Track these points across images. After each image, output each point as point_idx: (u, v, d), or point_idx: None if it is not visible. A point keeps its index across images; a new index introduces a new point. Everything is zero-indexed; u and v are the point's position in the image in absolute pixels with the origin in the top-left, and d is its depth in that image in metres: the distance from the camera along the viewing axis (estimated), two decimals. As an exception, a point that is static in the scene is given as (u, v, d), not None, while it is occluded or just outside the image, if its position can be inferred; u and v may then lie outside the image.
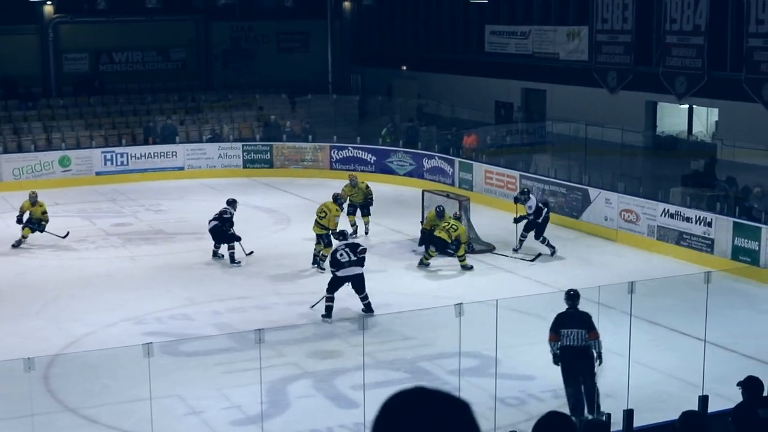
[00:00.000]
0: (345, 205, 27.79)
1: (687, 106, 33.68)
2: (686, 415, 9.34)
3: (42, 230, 27.47)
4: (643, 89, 33.77)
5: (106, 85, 44.35)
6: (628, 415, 13.32)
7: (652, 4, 33.34)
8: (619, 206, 27.75)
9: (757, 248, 23.81)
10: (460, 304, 14.76)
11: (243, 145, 39.36)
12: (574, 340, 15.87)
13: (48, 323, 21.09)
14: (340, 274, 21.33)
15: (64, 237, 27.49)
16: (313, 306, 21.60)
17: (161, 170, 37.98)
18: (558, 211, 29.56)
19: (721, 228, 24.76)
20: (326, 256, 24.19)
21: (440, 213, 25.93)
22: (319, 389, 17.50)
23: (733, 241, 24.38)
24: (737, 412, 11.14)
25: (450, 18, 44.09)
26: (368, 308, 21.43)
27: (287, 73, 46.82)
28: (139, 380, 15.12)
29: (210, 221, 26.05)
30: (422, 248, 26.11)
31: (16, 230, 29.26)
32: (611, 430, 11.57)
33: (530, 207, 26.44)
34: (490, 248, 26.71)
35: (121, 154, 38.02)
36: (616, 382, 16.66)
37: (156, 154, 38.33)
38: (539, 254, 26.22)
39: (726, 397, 14.38)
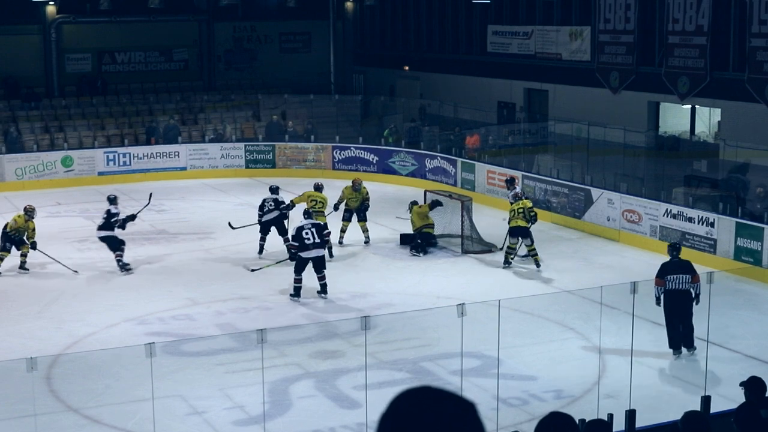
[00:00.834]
0: (341, 207, 27.77)
1: (689, 106, 33.65)
2: (688, 415, 9.34)
3: (35, 248, 25.24)
4: (645, 89, 33.75)
5: (108, 86, 44.37)
6: (631, 415, 13.31)
7: (655, 4, 33.32)
8: (621, 206, 27.75)
9: (759, 249, 23.80)
10: (462, 304, 14.76)
11: (245, 146, 39.38)
12: (679, 284, 18.23)
13: (50, 323, 21.09)
14: (305, 255, 22.43)
15: (75, 271, 25.52)
16: (253, 270, 23.19)
17: (164, 170, 38.01)
18: (560, 211, 29.57)
19: (724, 228, 24.75)
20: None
21: (411, 206, 27.27)
22: (322, 389, 17.49)
23: (735, 242, 24.37)
24: (740, 412, 11.12)
25: (452, 18, 44.08)
26: (324, 289, 22.63)
27: (290, 73, 46.87)
28: (142, 380, 15.14)
29: (265, 213, 26.57)
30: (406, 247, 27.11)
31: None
32: (613, 430, 11.56)
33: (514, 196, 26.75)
34: (492, 248, 26.70)
35: (124, 155, 38.05)
36: (618, 383, 16.67)
37: (158, 155, 38.36)
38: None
39: (728, 398, 14.40)
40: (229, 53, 48.33)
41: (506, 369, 17.40)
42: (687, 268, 18.47)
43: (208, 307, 22.16)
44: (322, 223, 23.75)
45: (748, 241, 24.13)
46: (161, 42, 46.47)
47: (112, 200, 25.78)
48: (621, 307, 18.28)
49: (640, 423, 13.33)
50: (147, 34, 45.87)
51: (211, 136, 40.28)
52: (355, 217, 27.88)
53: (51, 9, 43.96)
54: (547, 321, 20.78)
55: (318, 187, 27.12)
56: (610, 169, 30.66)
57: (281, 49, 49.20)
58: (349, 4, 50.33)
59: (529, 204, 25.67)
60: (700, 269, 21.30)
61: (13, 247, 25.08)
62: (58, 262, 25.21)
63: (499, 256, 25.87)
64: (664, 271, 18.49)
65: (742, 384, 11.46)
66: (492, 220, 27.80)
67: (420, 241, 26.75)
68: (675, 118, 34.77)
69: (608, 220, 28.25)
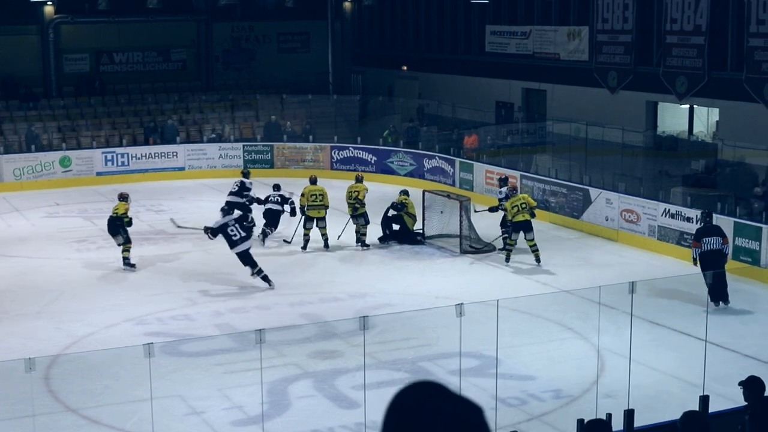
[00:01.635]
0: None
1: (688, 106, 33.66)
2: (688, 415, 9.34)
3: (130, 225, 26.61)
4: (643, 89, 33.76)
5: (106, 86, 44.35)
6: (629, 415, 13.32)
7: (653, 4, 33.33)
8: (619, 206, 27.76)
9: (757, 248, 23.82)
10: (461, 304, 14.76)
11: (244, 146, 39.41)
12: (713, 246, 21.62)
13: (49, 323, 21.09)
14: (234, 251, 23.28)
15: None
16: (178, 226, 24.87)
17: (162, 170, 38.04)
18: (559, 211, 29.60)
19: (722, 228, 24.74)
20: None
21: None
22: (320, 389, 17.50)
23: (733, 241, 24.37)
24: (753, 408, 11.12)
25: (451, 18, 44.08)
26: (263, 276, 23.36)
27: (288, 73, 46.85)
28: (140, 380, 15.14)
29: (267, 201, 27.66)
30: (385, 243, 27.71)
31: (17, 229, 29.34)
32: (612, 430, 11.56)
33: (500, 193, 27.35)
34: (490, 248, 26.71)
35: (122, 155, 38.08)
36: (617, 382, 16.68)
37: (157, 155, 38.38)
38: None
39: (727, 397, 14.41)
40: (227, 53, 48.32)
41: (505, 369, 17.40)
42: (718, 231, 22.00)
43: (206, 307, 22.17)
44: (243, 215, 25.01)
45: (747, 240, 24.14)
46: (159, 42, 46.44)
47: (246, 174, 29.43)
48: (619, 306, 18.29)
49: (638, 423, 13.35)
50: (145, 34, 45.84)
51: (210, 136, 40.29)
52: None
53: (49, 9, 43.93)
54: (545, 321, 20.79)
55: (313, 181, 27.75)
56: (609, 169, 30.69)
57: (279, 49, 49.19)
58: (347, 4, 50.32)
59: (527, 197, 25.94)
60: (698, 270, 21.41)
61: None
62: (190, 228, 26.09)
63: (497, 256, 25.89)
64: (700, 234, 21.91)
65: (740, 383, 11.47)
66: (490, 221, 27.78)
67: (387, 233, 27.62)
68: (673, 117, 34.79)
69: (606, 220, 28.26)
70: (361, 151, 38.08)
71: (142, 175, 37.55)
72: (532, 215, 25.41)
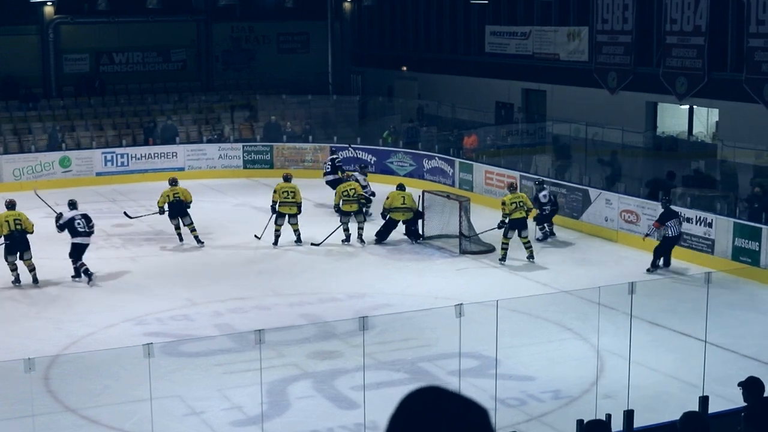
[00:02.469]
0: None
1: (687, 106, 33.66)
2: (688, 415, 9.33)
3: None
4: (643, 90, 33.75)
5: (106, 86, 44.35)
6: (629, 415, 13.32)
7: (653, 4, 33.32)
8: (619, 207, 27.76)
9: (757, 249, 23.82)
10: (460, 304, 14.77)
11: (243, 146, 39.41)
12: (676, 230, 24.54)
13: (48, 323, 21.10)
14: (75, 240, 24.45)
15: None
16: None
17: (162, 171, 37.97)
18: (558, 211, 29.58)
19: (722, 228, 24.77)
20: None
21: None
22: (320, 390, 17.50)
23: (733, 242, 24.39)
24: (750, 409, 11.11)
25: (450, 18, 44.07)
26: (87, 273, 24.19)
27: (288, 73, 46.84)
28: (140, 381, 15.14)
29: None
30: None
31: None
32: (612, 430, 11.56)
33: (545, 197, 27.48)
34: (489, 249, 26.70)
35: (122, 155, 38.06)
36: (616, 383, 16.68)
37: (156, 155, 38.37)
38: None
39: (726, 398, 14.40)
40: (227, 53, 48.31)
41: (504, 369, 17.40)
42: (678, 215, 24.70)
43: (206, 307, 22.18)
44: (87, 214, 25.42)
45: (746, 241, 24.15)
46: (159, 42, 46.44)
47: (334, 151, 32.75)
48: (619, 307, 18.27)
49: (638, 423, 13.35)
50: (145, 34, 45.83)
51: (209, 137, 40.29)
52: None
53: (49, 9, 43.93)
54: (545, 321, 20.80)
55: (287, 178, 28.31)
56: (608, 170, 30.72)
57: (279, 49, 49.18)
58: (347, 5, 50.31)
59: (525, 197, 26.08)
60: (698, 269, 21.41)
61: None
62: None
63: (496, 257, 25.87)
64: (664, 219, 24.52)
65: (740, 384, 11.46)
66: (490, 222, 27.76)
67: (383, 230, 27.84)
68: (673, 118, 34.79)
69: (606, 221, 28.26)
70: (360, 152, 38.03)
71: (142, 176, 37.52)
72: (528, 213, 25.71)
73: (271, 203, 27.84)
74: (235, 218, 30.79)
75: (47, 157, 37.03)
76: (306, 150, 39.01)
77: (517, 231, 25.49)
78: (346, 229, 27.81)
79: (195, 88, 46.16)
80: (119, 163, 37.90)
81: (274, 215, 27.65)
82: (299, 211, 27.59)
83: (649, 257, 24.83)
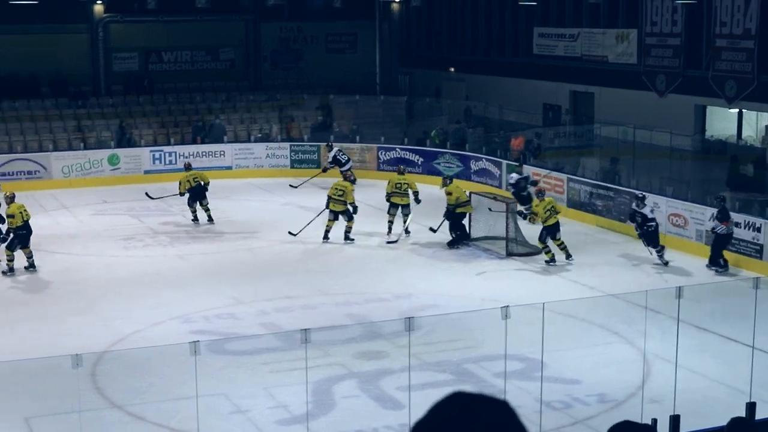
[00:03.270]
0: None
1: (736, 110, 33.46)
2: (735, 421, 9.28)
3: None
4: (692, 93, 33.58)
5: (155, 85, 44.60)
6: (675, 420, 13.25)
7: (702, 7, 33.14)
8: (667, 210, 27.60)
9: (807, 254, 23.64)
10: (507, 306, 14.76)
11: (291, 145, 39.49)
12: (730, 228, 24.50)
13: (95, 320, 21.24)
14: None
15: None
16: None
17: (209, 169, 37.96)
18: (605, 214, 29.46)
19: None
20: (351, 228, 27.76)
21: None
22: (365, 390, 17.52)
23: (782, 247, 24.23)
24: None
25: (499, 20, 44.05)
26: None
27: (335, 73, 46.90)
28: (185, 378, 15.20)
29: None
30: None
31: (65, 227, 29.56)
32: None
33: (651, 212, 26.25)
34: (536, 251, 26.63)
35: (170, 153, 38.24)
36: (662, 387, 16.60)
37: (204, 153, 38.50)
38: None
39: (774, 404, 14.30)
40: (275, 53, 48.42)
41: (550, 372, 17.33)
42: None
43: (252, 306, 22.25)
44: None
45: (796, 246, 23.98)
46: (208, 41, 46.62)
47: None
48: (666, 311, 18.16)
49: (684, 428, 13.28)
50: (193, 33, 46.03)
51: (257, 136, 40.43)
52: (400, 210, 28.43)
53: (99, 8, 44.24)
54: (591, 325, 20.71)
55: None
56: (656, 173, 30.52)
57: (327, 49, 49.25)
58: (395, 5, 50.32)
59: (553, 200, 26.64)
60: (747, 274, 21.23)
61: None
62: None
63: (543, 259, 25.81)
64: (727, 215, 24.55)
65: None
66: (536, 226, 27.68)
67: (458, 234, 27.53)
68: (722, 121, 34.57)
69: (654, 224, 28.08)
70: (407, 152, 38.02)
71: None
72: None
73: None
74: (282, 217, 30.84)
75: (96, 154, 37.27)
76: (353, 150, 39.02)
77: (550, 236, 25.61)
78: (391, 221, 28.33)
79: (243, 88, 46.31)
80: (167, 162, 38.08)
81: (317, 215, 28.22)
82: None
83: (696, 261, 24.66)
